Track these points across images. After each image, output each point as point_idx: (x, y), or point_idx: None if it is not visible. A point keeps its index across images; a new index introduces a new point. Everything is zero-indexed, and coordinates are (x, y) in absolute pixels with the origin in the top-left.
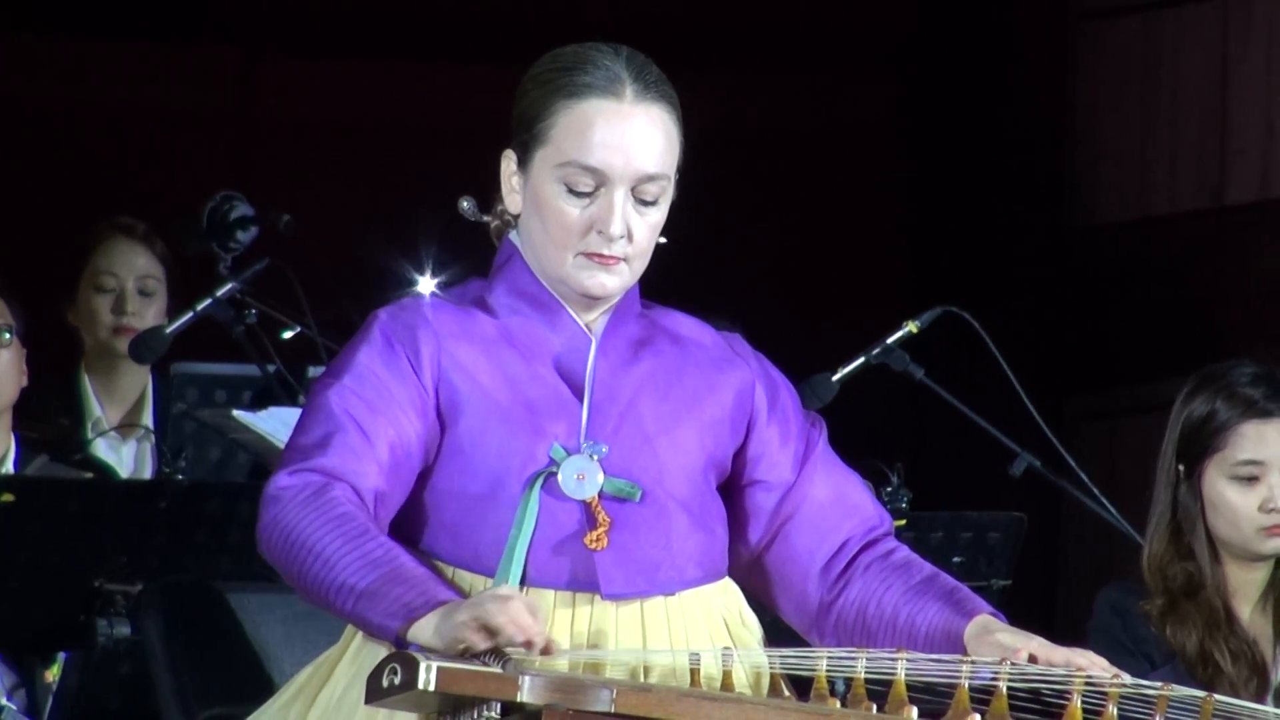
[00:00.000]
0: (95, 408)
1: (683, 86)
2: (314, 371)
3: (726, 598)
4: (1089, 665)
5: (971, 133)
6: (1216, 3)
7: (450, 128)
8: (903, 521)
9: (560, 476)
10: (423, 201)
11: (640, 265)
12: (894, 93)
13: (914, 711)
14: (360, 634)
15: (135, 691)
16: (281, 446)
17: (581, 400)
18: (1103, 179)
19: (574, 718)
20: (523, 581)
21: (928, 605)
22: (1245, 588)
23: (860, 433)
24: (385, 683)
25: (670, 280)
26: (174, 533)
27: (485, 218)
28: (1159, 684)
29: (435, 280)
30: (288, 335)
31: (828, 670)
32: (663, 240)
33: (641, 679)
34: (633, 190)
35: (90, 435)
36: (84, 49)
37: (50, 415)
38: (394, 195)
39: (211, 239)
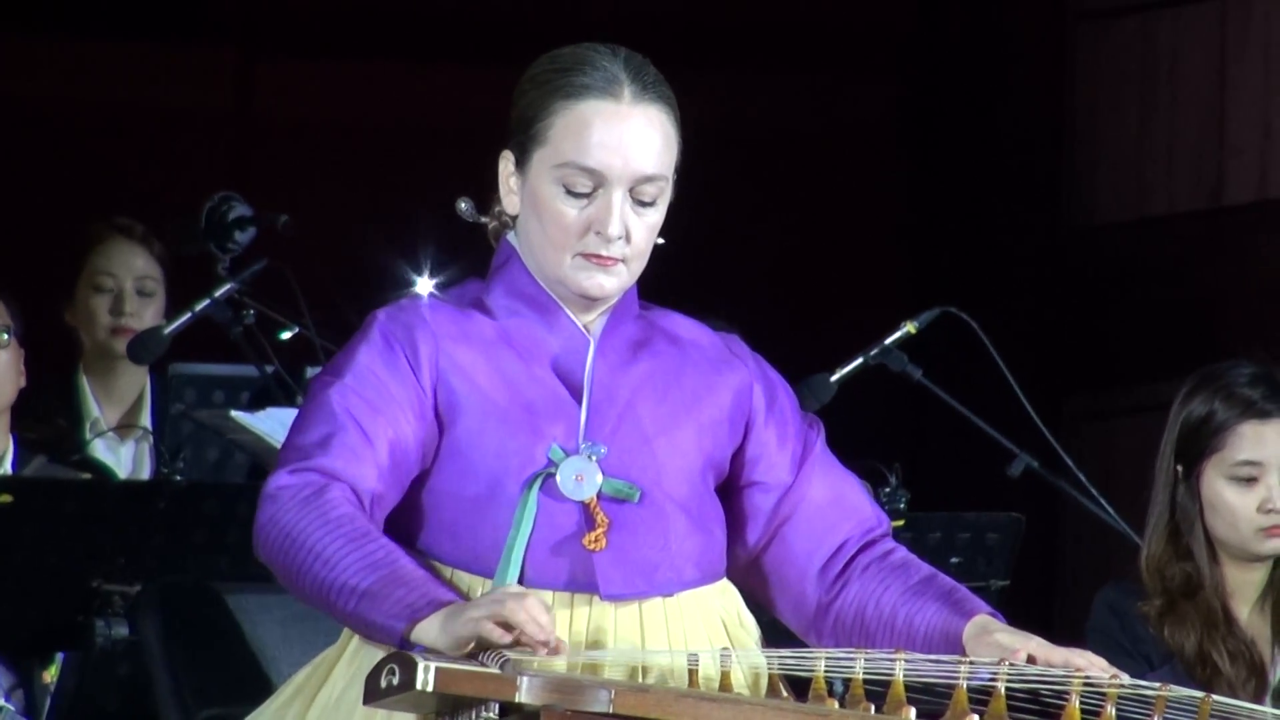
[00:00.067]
0: (93, 408)
1: (682, 86)
2: (312, 372)
3: (725, 599)
4: (1087, 666)
5: (971, 133)
6: (1215, 3)
7: (449, 128)
8: (901, 522)
9: (559, 477)
10: (422, 202)
11: (638, 266)
12: (894, 93)
13: (912, 712)
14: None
15: (133, 692)
16: (279, 447)
17: (580, 401)
18: (1101, 179)
19: (572, 718)
20: (521, 582)
21: (926, 606)
22: (1243, 588)
23: (858, 433)
24: (383, 683)
25: (669, 280)
26: (172, 533)
27: (483, 219)
28: (1157, 684)
29: (433, 281)
30: (286, 336)
31: (826, 671)
32: (660, 241)
33: (640, 680)
34: (631, 191)
35: (88, 436)
36: (83, 49)
37: (48, 416)
38: (393, 195)
39: (210, 239)
